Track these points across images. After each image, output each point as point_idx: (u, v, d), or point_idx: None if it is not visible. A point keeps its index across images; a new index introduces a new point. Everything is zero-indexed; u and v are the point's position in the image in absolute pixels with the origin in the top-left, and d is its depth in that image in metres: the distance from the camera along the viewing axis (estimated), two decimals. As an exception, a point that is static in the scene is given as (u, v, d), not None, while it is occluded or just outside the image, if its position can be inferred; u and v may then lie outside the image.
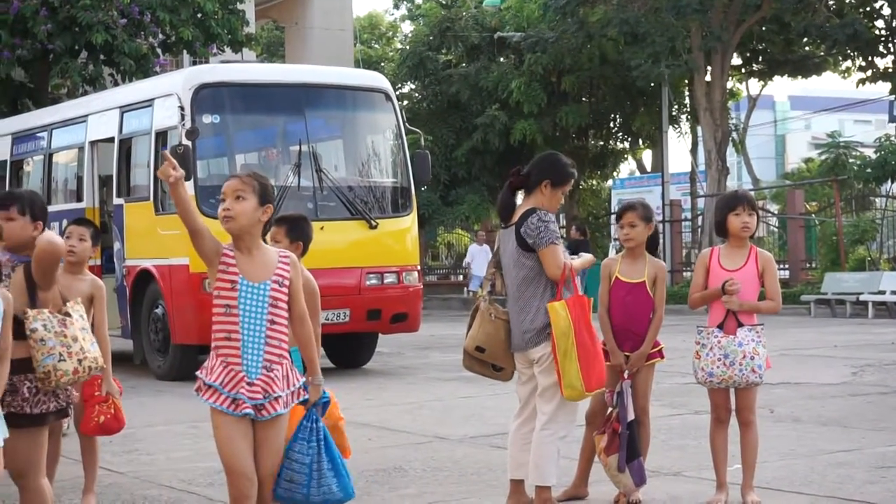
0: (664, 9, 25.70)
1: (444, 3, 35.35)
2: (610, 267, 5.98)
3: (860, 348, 14.32)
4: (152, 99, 12.96)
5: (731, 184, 34.19)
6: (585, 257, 5.91)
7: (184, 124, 11.98)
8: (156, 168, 12.31)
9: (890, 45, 27.32)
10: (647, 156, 36.21)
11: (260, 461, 4.41)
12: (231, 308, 4.37)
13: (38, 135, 15.51)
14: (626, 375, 5.79)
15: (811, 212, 29.22)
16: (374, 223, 12.67)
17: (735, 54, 28.71)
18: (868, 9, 27.15)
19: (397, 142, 13.46)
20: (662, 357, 6.04)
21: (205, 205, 11.21)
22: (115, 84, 19.98)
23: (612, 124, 33.73)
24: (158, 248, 12.44)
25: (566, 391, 5.41)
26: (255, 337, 4.37)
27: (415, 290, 13.08)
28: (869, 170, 24.23)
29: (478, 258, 24.93)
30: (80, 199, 14.24)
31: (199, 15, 21.08)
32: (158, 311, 12.61)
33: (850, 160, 40.93)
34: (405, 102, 32.69)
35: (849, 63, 29.36)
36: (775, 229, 29.46)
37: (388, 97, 13.50)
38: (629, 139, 34.76)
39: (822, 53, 29.69)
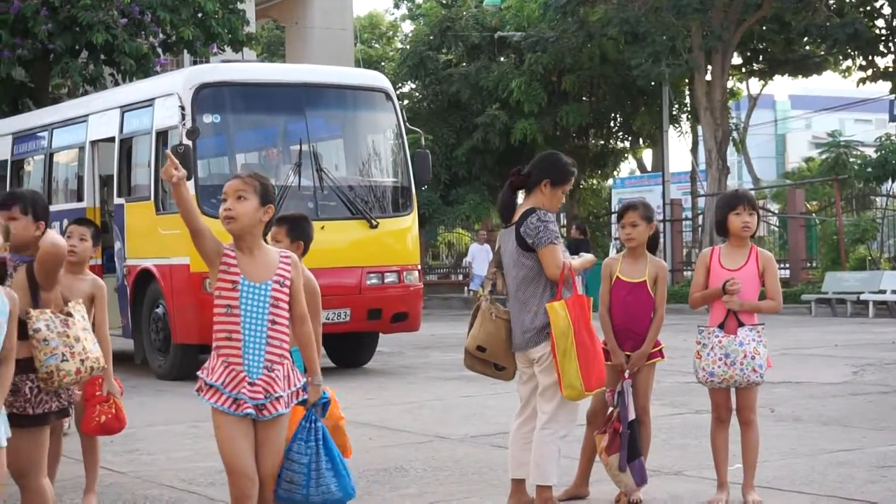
0: (664, 8, 25.69)
1: (444, 2, 35.30)
2: (611, 266, 5.99)
3: (861, 348, 14.32)
4: (153, 98, 12.96)
5: (732, 183, 34.21)
6: (585, 257, 5.90)
7: (184, 124, 11.98)
8: (156, 168, 12.34)
9: (890, 44, 27.28)
10: (647, 155, 36.22)
11: (261, 461, 4.42)
12: (232, 308, 4.37)
13: (39, 134, 15.52)
14: (626, 375, 5.80)
15: (812, 211, 29.22)
16: (374, 223, 12.67)
17: (735, 54, 28.68)
18: (868, 8, 27.13)
19: (398, 141, 13.46)
20: (663, 356, 6.05)
21: (205, 204, 11.19)
22: (116, 84, 19.98)
23: (612, 124, 33.68)
24: (159, 248, 12.44)
25: (566, 391, 5.41)
26: (257, 337, 4.37)
27: (415, 289, 13.08)
28: (869, 169, 24.22)
29: (478, 257, 24.95)
30: (80, 199, 14.24)
31: (199, 14, 21.08)
32: (159, 310, 12.61)
33: (851, 159, 40.97)
34: (405, 102, 32.67)
35: (849, 62, 29.33)
36: (776, 229, 29.45)
37: (388, 97, 13.50)
38: (629, 138, 34.72)
39: (822, 53, 29.65)
